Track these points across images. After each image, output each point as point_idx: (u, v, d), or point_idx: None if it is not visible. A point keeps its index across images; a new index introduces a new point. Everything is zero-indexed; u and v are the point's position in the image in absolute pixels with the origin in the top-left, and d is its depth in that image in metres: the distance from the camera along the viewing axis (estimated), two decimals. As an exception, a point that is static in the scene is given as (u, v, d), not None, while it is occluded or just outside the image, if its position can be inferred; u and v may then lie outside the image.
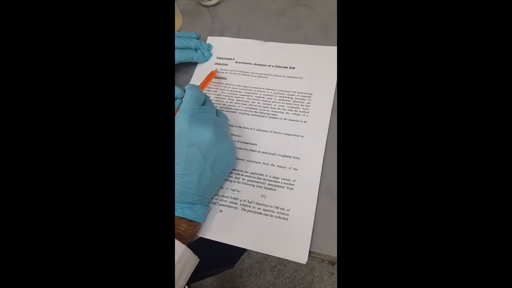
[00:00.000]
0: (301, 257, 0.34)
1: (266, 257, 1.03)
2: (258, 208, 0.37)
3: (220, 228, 0.37)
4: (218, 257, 0.52)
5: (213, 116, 0.37)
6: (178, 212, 0.33)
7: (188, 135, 0.34)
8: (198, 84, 0.44)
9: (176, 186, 0.33)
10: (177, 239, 0.32)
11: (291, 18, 0.51)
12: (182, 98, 0.46)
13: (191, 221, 0.34)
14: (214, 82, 0.47)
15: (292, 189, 0.37)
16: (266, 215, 0.36)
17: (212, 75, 0.47)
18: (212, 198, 0.38)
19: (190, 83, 0.48)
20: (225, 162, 0.37)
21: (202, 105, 0.38)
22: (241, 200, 0.38)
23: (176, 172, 0.33)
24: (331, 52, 0.46)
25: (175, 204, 0.33)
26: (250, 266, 1.02)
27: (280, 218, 0.36)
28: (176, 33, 0.50)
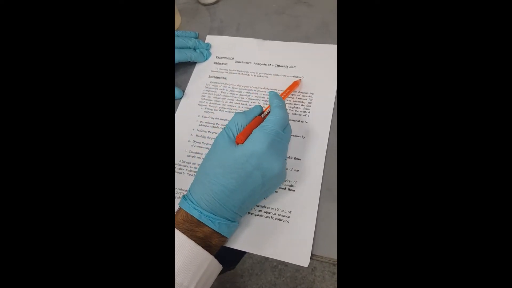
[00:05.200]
0: (303, 260, 0.33)
1: (267, 257, 1.02)
2: (259, 211, 0.36)
3: (220, 231, 0.36)
4: (219, 259, 0.52)
5: (287, 145, 0.36)
6: (215, 226, 0.32)
7: (260, 157, 0.32)
8: (279, 94, 0.40)
9: (221, 199, 0.32)
10: (206, 250, 0.31)
11: (291, 16, 0.50)
12: (180, 98, 0.46)
13: (223, 236, 0.33)
14: (214, 82, 0.47)
15: (294, 190, 0.37)
16: (267, 217, 0.36)
17: (296, 84, 0.43)
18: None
19: (189, 82, 0.47)
20: (272, 190, 0.37)
21: (284, 129, 0.35)
22: (241, 202, 0.37)
23: (226, 184, 0.31)
24: (332, 51, 0.45)
25: (213, 216, 0.32)
26: (251, 266, 1.02)
27: (281, 220, 0.35)
28: (175, 32, 0.49)
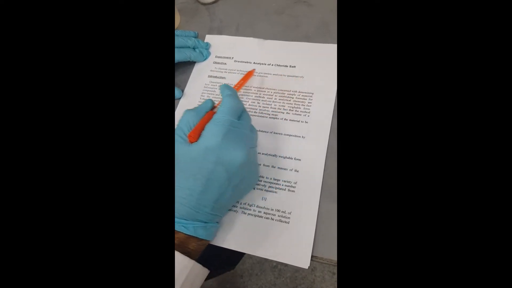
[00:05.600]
0: (303, 262, 0.33)
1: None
2: (259, 211, 0.36)
3: (220, 232, 0.36)
4: (218, 260, 0.51)
5: (248, 133, 0.33)
6: (189, 231, 0.31)
7: (218, 151, 0.30)
8: (232, 85, 0.39)
9: (190, 203, 0.30)
10: (186, 256, 0.30)
11: (291, 15, 0.50)
12: (180, 98, 0.45)
13: (202, 239, 0.32)
14: (213, 82, 0.46)
15: (294, 191, 0.36)
16: (267, 218, 0.35)
17: (250, 74, 0.43)
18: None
19: (188, 82, 0.47)
20: (246, 185, 0.35)
21: (239, 117, 0.34)
22: (241, 203, 0.37)
23: (191, 186, 0.30)
24: (332, 50, 0.45)
25: (186, 222, 0.31)
26: (251, 266, 1.02)
27: (281, 221, 0.35)
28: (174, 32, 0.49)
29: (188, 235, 0.31)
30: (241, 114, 0.34)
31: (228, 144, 0.31)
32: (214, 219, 0.33)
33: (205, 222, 0.32)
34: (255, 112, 0.42)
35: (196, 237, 0.31)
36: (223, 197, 0.31)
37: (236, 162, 0.31)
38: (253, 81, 0.45)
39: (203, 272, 0.33)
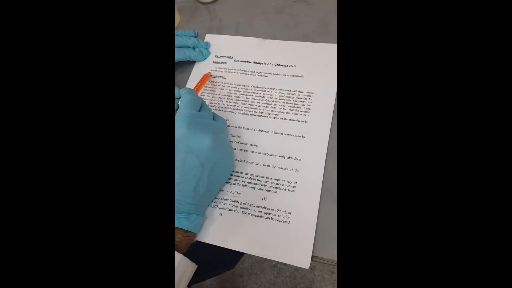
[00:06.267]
0: (304, 262, 0.33)
1: (266, 256, 1.02)
2: (259, 211, 0.36)
3: (220, 232, 0.36)
4: (218, 260, 0.51)
5: (211, 121, 0.36)
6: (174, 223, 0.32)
7: (186, 141, 0.33)
8: (192, 87, 0.42)
9: None
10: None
11: (291, 15, 0.50)
12: (179, 98, 0.45)
13: (187, 231, 0.33)
14: (213, 82, 0.46)
15: (294, 191, 0.36)
16: (267, 218, 0.35)
17: (206, 77, 0.45)
18: (209, 205, 0.37)
19: (188, 82, 0.47)
20: (222, 170, 0.36)
21: (199, 110, 0.36)
22: (241, 203, 0.37)
23: None
24: (332, 50, 0.45)
25: None
26: (250, 265, 1.02)
27: (281, 221, 0.35)
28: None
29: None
30: (201, 107, 0.37)
31: (193, 132, 0.34)
32: (197, 210, 0.34)
33: (188, 214, 0.33)
34: (255, 111, 0.42)
35: (181, 229, 0.32)
36: (201, 185, 0.33)
37: (204, 147, 0.33)
38: (253, 81, 0.45)
39: (192, 267, 0.33)
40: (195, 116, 0.35)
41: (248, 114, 0.42)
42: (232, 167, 0.38)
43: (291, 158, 0.38)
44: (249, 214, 0.36)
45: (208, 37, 0.50)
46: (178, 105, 0.39)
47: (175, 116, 0.35)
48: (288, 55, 0.46)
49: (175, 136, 0.33)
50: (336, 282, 0.95)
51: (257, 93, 0.44)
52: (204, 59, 0.48)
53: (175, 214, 0.32)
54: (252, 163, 0.39)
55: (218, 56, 0.48)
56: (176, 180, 0.32)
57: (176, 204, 0.32)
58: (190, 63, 0.48)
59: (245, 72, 0.46)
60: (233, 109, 0.43)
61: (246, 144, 0.40)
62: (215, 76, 0.47)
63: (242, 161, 0.39)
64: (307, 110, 0.41)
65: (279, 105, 0.42)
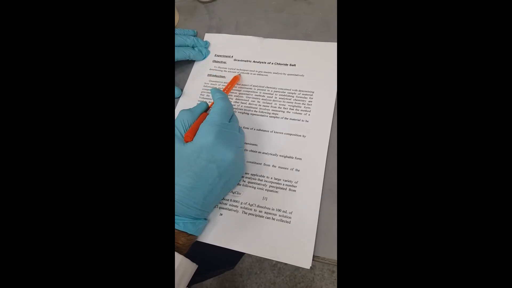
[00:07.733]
0: (305, 262, 0.33)
1: (266, 256, 1.02)
2: (260, 211, 0.36)
3: (221, 232, 0.35)
4: (218, 259, 0.51)
5: (237, 133, 0.36)
6: (179, 226, 0.32)
7: (211, 150, 0.32)
8: (222, 89, 0.42)
9: (181, 198, 0.32)
10: (175, 251, 0.31)
11: (291, 13, 0.50)
12: (179, 97, 0.45)
13: (190, 235, 0.33)
14: (212, 81, 0.46)
15: (295, 191, 0.36)
16: (268, 218, 0.35)
17: (236, 79, 0.44)
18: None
19: (187, 81, 0.47)
20: (234, 182, 0.36)
21: (229, 119, 0.36)
22: (241, 203, 0.36)
23: (182, 183, 0.32)
24: (332, 48, 0.45)
25: (176, 217, 0.32)
26: (250, 265, 1.01)
27: (282, 221, 0.35)
28: (173, 30, 0.48)
29: (178, 230, 0.32)
30: (231, 116, 0.36)
31: (220, 143, 0.33)
32: (203, 215, 0.34)
33: (194, 218, 0.33)
34: (255, 111, 0.42)
35: (185, 232, 0.32)
36: (212, 194, 0.33)
37: (227, 160, 0.33)
38: (253, 80, 0.45)
39: (192, 267, 0.33)
40: (225, 127, 0.34)
41: (248, 114, 0.42)
42: (239, 179, 0.38)
43: (292, 157, 0.38)
44: (249, 214, 0.36)
45: (208, 36, 0.50)
46: (208, 106, 0.38)
47: (204, 120, 0.34)
48: (288, 54, 0.46)
49: (199, 141, 0.33)
50: (336, 281, 0.95)
51: (257, 92, 0.44)
52: (204, 58, 0.48)
53: (182, 217, 0.32)
54: (252, 162, 0.39)
55: (218, 56, 0.48)
56: (187, 184, 0.32)
57: (184, 208, 0.32)
58: (189, 63, 0.48)
59: (245, 71, 0.46)
60: (233, 108, 0.43)
61: (246, 143, 0.40)
62: (215, 76, 0.46)
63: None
64: (307, 109, 0.41)
65: (279, 104, 0.42)
